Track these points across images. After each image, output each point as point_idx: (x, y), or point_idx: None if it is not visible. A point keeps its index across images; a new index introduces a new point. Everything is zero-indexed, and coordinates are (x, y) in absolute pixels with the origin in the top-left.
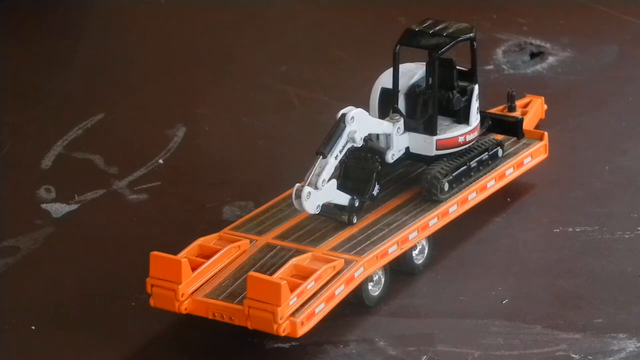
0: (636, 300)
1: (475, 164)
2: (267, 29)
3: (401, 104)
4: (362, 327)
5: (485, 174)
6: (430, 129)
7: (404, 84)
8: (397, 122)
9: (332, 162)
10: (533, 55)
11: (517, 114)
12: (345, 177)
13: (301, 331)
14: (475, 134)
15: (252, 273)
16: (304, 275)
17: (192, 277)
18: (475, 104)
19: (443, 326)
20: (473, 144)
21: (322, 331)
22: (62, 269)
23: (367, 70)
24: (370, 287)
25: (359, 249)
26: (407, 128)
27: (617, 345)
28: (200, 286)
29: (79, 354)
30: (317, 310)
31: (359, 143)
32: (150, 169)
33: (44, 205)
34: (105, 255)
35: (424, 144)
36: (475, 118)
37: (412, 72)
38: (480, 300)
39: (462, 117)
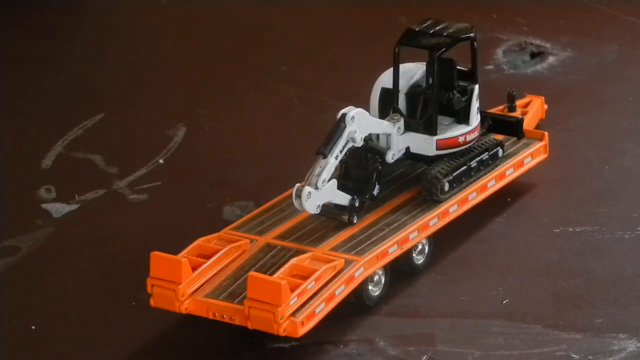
0: (636, 300)
1: (476, 164)
2: (268, 29)
3: (401, 104)
4: (363, 327)
5: (485, 174)
6: (430, 129)
7: (404, 83)
8: (398, 122)
9: (332, 162)
10: (533, 55)
11: (517, 113)
12: (346, 177)
13: (301, 331)
14: (476, 134)
15: (252, 273)
16: (304, 275)
17: (193, 277)
18: (475, 104)
19: (443, 326)
20: (473, 143)
21: (323, 331)
22: (63, 269)
23: (367, 70)
24: (370, 287)
25: (359, 249)
26: (408, 128)
27: (618, 345)
28: (201, 286)
29: (79, 354)
30: (317, 310)
31: (359, 143)
32: (151, 168)
33: (44, 205)
34: (105, 255)
35: (424, 144)
36: (475, 118)
37: (413, 72)
38: (481, 300)
39: (462, 117)
